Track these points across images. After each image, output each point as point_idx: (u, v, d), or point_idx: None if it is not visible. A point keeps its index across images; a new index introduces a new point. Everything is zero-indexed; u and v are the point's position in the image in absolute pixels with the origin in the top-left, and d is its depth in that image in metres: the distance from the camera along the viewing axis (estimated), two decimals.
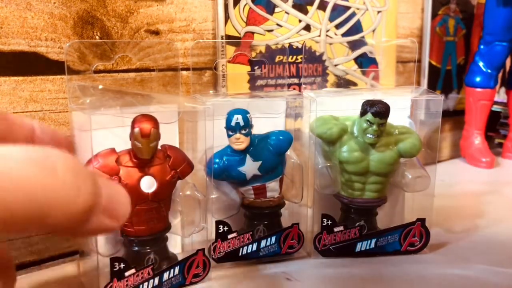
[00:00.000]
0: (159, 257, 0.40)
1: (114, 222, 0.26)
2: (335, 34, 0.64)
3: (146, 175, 0.38)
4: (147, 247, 0.39)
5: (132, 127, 0.37)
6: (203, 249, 0.41)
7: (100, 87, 0.39)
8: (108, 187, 0.26)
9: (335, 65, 0.64)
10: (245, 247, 0.44)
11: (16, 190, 0.17)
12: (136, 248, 0.39)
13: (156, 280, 0.39)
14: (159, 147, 0.39)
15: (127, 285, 0.37)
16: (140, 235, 0.39)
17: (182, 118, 0.43)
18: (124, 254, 0.40)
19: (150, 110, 0.39)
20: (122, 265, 0.37)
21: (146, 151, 0.37)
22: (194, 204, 0.41)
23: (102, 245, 0.39)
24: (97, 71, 0.47)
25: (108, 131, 0.39)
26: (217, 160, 0.43)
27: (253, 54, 0.56)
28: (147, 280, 0.38)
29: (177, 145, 0.42)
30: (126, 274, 0.37)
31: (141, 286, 0.38)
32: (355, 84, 0.66)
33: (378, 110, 0.43)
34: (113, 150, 0.38)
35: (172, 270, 0.40)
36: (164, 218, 0.40)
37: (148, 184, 0.38)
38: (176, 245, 0.44)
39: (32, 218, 0.18)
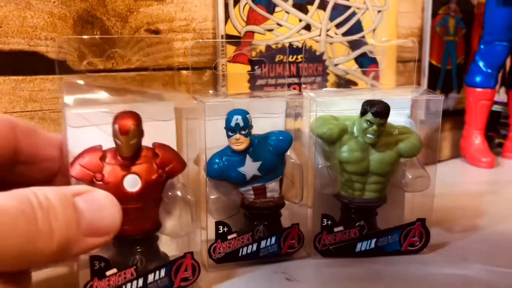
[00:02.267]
0: (146, 258, 0.39)
1: (102, 239, 0.27)
2: (336, 34, 0.64)
3: (130, 173, 0.37)
4: (134, 247, 0.38)
5: (113, 124, 0.36)
6: (191, 252, 0.40)
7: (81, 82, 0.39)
8: (92, 205, 0.27)
9: (335, 65, 0.64)
10: (245, 248, 0.44)
11: (4, 238, 0.20)
12: (123, 248, 0.38)
13: (140, 281, 0.38)
14: (150, 145, 0.38)
15: (108, 285, 0.37)
16: (125, 234, 0.37)
17: (180, 115, 0.42)
18: (111, 254, 0.39)
19: (143, 107, 0.38)
20: (102, 264, 0.36)
21: (126, 149, 0.36)
22: (184, 206, 0.40)
23: None
24: (96, 70, 0.47)
25: (97, 129, 0.38)
26: (216, 161, 0.43)
27: (253, 53, 0.56)
28: (130, 281, 0.37)
29: (174, 144, 0.41)
30: (107, 273, 0.36)
31: (124, 287, 0.37)
32: (355, 84, 0.66)
33: (378, 110, 0.43)
34: (98, 148, 0.37)
35: (158, 272, 0.39)
36: (152, 218, 0.39)
37: (132, 183, 0.37)
38: (174, 246, 0.44)
39: (19, 260, 0.21)
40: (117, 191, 0.36)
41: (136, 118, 0.36)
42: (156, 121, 0.39)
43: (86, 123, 0.37)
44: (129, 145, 0.36)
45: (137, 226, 0.38)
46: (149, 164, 0.38)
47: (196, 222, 0.41)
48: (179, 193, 0.40)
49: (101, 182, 0.36)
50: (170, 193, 0.40)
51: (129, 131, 0.36)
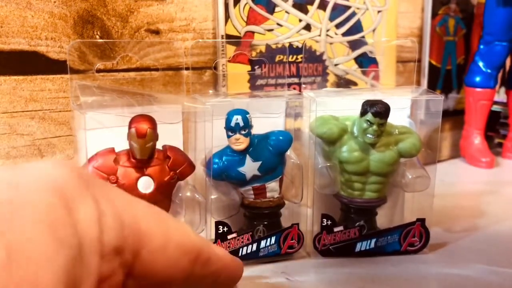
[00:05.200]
0: None
1: None
2: (335, 34, 0.64)
3: (143, 175, 0.38)
4: None
5: (129, 127, 0.37)
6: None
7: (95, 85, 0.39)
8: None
9: (335, 65, 0.64)
10: (245, 248, 0.44)
11: None
12: None
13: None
14: (160, 147, 0.39)
15: None
16: None
17: (186, 118, 0.42)
18: None
19: (153, 110, 0.39)
20: None
21: (142, 152, 0.37)
22: (194, 206, 0.41)
23: None
24: (97, 71, 0.47)
25: (109, 131, 0.39)
26: (216, 161, 0.43)
27: (253, 53, 0.56)
28: None
29: (181, 146, 0.42)
30: None
31: None
32: (355, 84, 0.66)
33: (378, 110, 0.43)
34: (112, 150, 0.38)
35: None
36: None
37: (146, 185, 0.38)
38: None
39: None
40: (131, 193, 0.36)
41: (152, 121, 0.37)
42: (164, 124, 0.39)
43: (100, 125, 0.38)
44: (145, 148, 0.37)
45: None
46: (162, 167, 0.38)
47: (203, 221, 0.42)
48: (189, 194, 0.40)
49: (115, 185, 0.36)
50: (180, 194, 0.40)
51: (145, 134, 0.36)
